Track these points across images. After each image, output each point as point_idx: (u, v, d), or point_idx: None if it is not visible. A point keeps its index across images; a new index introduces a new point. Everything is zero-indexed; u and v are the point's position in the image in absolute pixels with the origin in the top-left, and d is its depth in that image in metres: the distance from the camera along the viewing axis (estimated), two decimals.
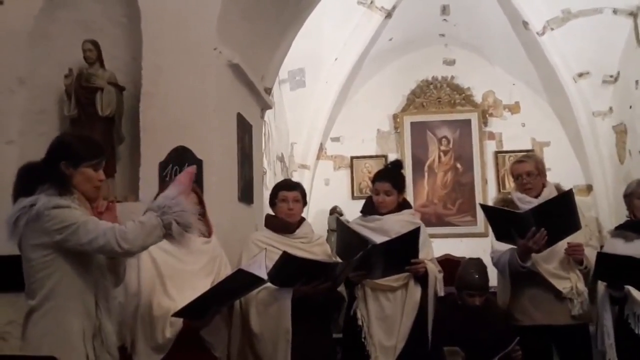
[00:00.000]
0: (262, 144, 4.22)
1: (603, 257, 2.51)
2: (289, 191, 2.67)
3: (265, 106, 4.10)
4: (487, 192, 6.74)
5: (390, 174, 2.86)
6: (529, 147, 6.84)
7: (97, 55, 3.04)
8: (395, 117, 7.14)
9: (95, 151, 1.92)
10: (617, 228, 2.91)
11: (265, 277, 2.14)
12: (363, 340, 2.67)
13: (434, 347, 2.64)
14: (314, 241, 2.74)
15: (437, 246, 6.11)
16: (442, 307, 2.79)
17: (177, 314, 1.98)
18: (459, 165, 6.98)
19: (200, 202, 2.32)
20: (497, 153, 6.98)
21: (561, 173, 6.70)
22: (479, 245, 5.41)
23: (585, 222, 2.85)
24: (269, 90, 4.19)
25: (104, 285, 1.89)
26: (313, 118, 6.76)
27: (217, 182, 2.95)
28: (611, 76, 6.62)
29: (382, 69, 7.18)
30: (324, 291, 2.42)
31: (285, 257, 2.26)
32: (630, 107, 6.40)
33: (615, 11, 6.17)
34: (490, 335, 2.67)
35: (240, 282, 2.10)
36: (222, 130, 3.14)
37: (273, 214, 2.77)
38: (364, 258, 2.54)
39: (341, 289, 2.66)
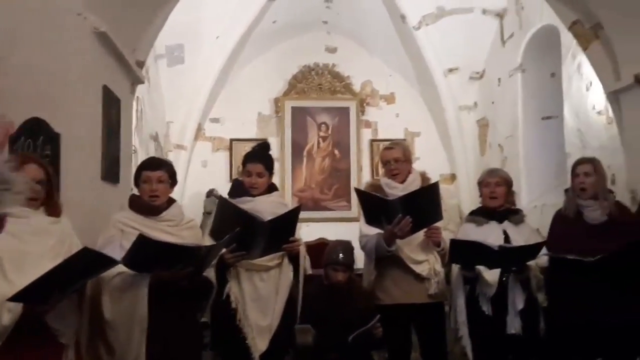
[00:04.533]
0: (132, 120, 3.99)
1: (455, 243, 2.69)
2: (153, 171, 2.52)
3: (136, 80, 3.87)
4: (362, 179, 6.96)
5: (262, 156, 2.84)
6: (402, 137, 7.15)
7: None
8: (276, 101, 7.13)
9: None
10: (470, 214, 3.14)
11: (116, 257, 2.01)
12: (238, 322, 2.64)
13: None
14: (182, 224, 2.61)
15: (312, 230, 6.35)
16: (310, 286, 2.85)
17: (15, 298, 1.78)
18: (336, 152, 7.14)
19: (47, 177, 2.12)
20: (372, 141, 7.23)
21: (429, 162, 7.11)
22: (352, 230, 5.52)
23: (444, 207, 3.04)
24: (141, 64, 3.96)
25: None
26: (192, 97, 6.53)
27: (77, 159, 2.73)
28: (477, 73, 7.11)
29: (265, 51, 7.11)
30: (185, 276, 2.32)
31: (141, 240, 2.14)
32: (493, 102, 6.94)
33: (484, 11, 6.62)
34: (354, 312, 2.77)
35: (87, 262, 1.94)
36: (85, 103, 2.91)
37: (138, 194, 2.62)
38: (244, 237, 2.50)
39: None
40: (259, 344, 2.62)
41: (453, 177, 7.24)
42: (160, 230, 2.45)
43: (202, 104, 6.63)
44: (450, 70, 6.92)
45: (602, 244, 2.62)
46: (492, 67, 6.97)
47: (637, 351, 2.83)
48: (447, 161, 7.31)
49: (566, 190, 2.99)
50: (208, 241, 2.61)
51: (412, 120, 7.36)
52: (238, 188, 2.85)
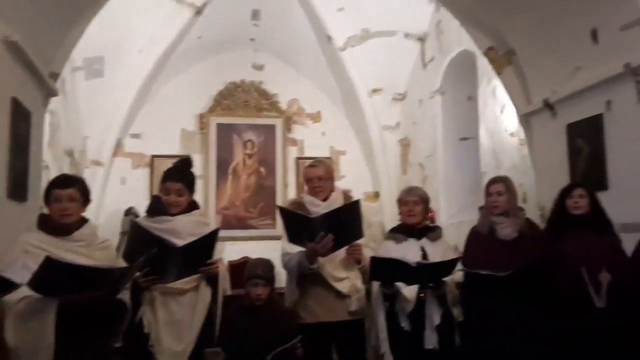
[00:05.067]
0: (43, 134, 3.79)
1: (375, 260, 2.73)
2: (63, 189, 2.39)
3: (50, 93, 3.69)
4: (288, 196, 6.96)
5: (182, 173, 2.77)
6: (328, 155, 7.24)
7: None
8: (201, 117, 7.02)
9: None
10: (390, 231, 3.20)
11: (19, 280, 1.88)
12: (150, 348, 2.55)
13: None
14: (95, 245, 2.49)
15: (236, 249, 6.25)
16: (230, 307, 2.79)
17: None
18: (262, 169, 7.11)
19: None
20: (298, 159, 7.26)
21: (354, 180, 7.25)
22: (277, 248, 5.48)
23: (368, 224, 3.09)
24: (55, 76, 3.78)
25: None
26: (111, 111, 6.31)
27: None
28: (400, 94, 7.34)
29: (189, 67, 7.01)
30: (97, 300, 2.21)
31: (48, 262, 2.01)
32: (414, 123, 7.17)
33: (406, 35, 6.86)
34: (275, 332, 2.74)
35: None
36: None
37: (48, 213, 2.47)
38: (158, 261, 2.41)
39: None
40: None
41: (377, 195, 7.38)
42: (71, 251, 2.32)
43: (122, 119, 6.43)
44: (374, 90, 7.11)
45: (513, 260, 2.74)
46: (413, 89, 7.22)
47: None
48: (371, 179, 7.46)
49: (480, 208, 3.12)
50: (123, 263, 2.50)
51: (338, 139, 7.48)
52: (156, 205, 2.74)
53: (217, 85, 7.12)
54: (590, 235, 2.98)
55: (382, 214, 7.06)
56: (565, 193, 3.12)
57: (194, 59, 6.92)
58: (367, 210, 3.00)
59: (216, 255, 2.67)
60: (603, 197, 3.18)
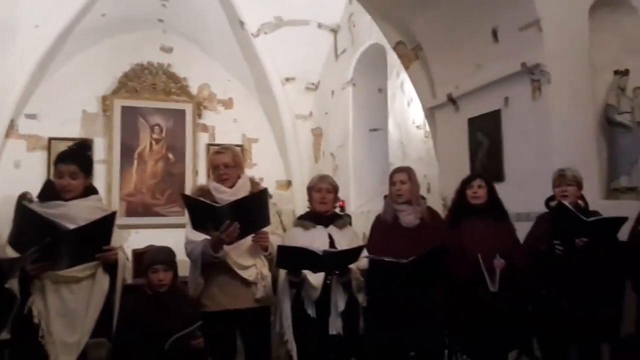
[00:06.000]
0: None
1: (282, 248, 2.71)
2: None
3: None
4: (198, 183, 6.80)
5: (76, 156, 2.59)
6: (240, 142, 7.15)
7: None
8: (104, 99, 6.68)
9: None
10: (298, 218, 3.20)
11: None
12: (40, 339, 2.38)
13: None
14: None
15: (142, 237, 6.02)
16: (131, 297, 2.67)
17: None
18: (170, 155, 6.89)
19: None
20: (209, 145, 7.11)
21: (267, 169, 7.22)
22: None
23: (278, 212, 3.06)
24: None
25: None
26: (4, 90, 5.84)
27: None
28: (313, 84, 7.37)
29: (92, 45, 6.64)
30: None
31: None
32: (326, 113, 7.24)
33: (319, 25, 6.89)
34: (178, 321, 2.66)
35: None
36: None
37: None
38: (50, 247, 2.24)
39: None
40: None
41: (289, 184, 7.39)
42: None
43: (16, 98, 5.99)
44: (288, 79, 7.09)
45: (416, 246, 2.82)
46: (326, 79, 7.28)
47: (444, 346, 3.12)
48: (283, 168, 7.46)
49: (385, 197, 3.19)
50: (9, 251, 2.31)
51: (250, 127, 7.40)
52: (49, 190, 2.55)
53: (122, 66, 6.80)
54: (487, 223, 3.15)
55: (294, 203, 7.09)
56: (465, 183, 3.27)
57: (97, 37, 6.56)
58: (280, 199, 2.97)
59: (116, 243, 2.54)
60: (500, 188, 3.37)
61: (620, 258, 3.00)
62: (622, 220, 2.93)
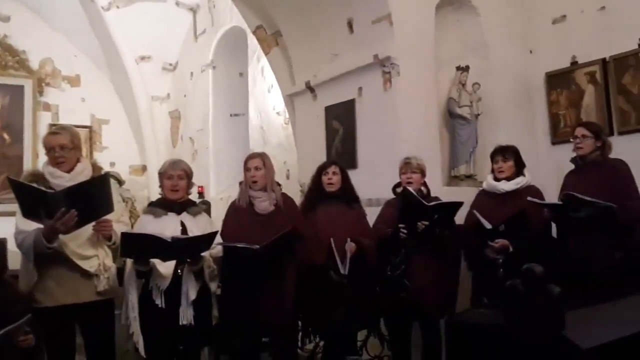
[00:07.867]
0: None
1: (127, 236, 2.55)
2: None
3: None
4: (39, 167, 6.20)
5: None
6: (88, 123, 6.67)
7: None
8: None
9: None
10: (149, 205, 3.04)
11: None
12: None
13: None
14: None
15: None
16: None
17: None
18: (6, 136, 6.23)
19: None
20: (52, 126, 6.48)
21: (119, 152, 6.80)
22: None
23: (119, 199, 2.86)
24: None
25: None
26: None
27: None
28: (171, 64, 7.07)
29: None
30: None
31: None
32: (185, 96, 6.99)
33: (177, 3, 6.60)
34: (6, 320, 2.38)
35: None
36: None
37: None
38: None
39: None
40: None
41: (144, 169, 7.05)
42: None
43: None
44: (143, 58, 6.73)
45: (269, 232, 2.82)
46: (185, 61, 7.01)
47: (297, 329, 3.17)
48: (138, 152, 7.09)
49: (240, 183, 3.14)
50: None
51: (101, 107, 6.92)
52: None
53: None
54: (340, 209, 3.24)
55: (148, 189, 6.77)
56: (321, 170, 3.34)
57: None
58: (134, 185, 2.77)
59: None
60: (353, 175, 3.48)
61: (457, 239, 3.27)
62: (458, 204, 3.18)
